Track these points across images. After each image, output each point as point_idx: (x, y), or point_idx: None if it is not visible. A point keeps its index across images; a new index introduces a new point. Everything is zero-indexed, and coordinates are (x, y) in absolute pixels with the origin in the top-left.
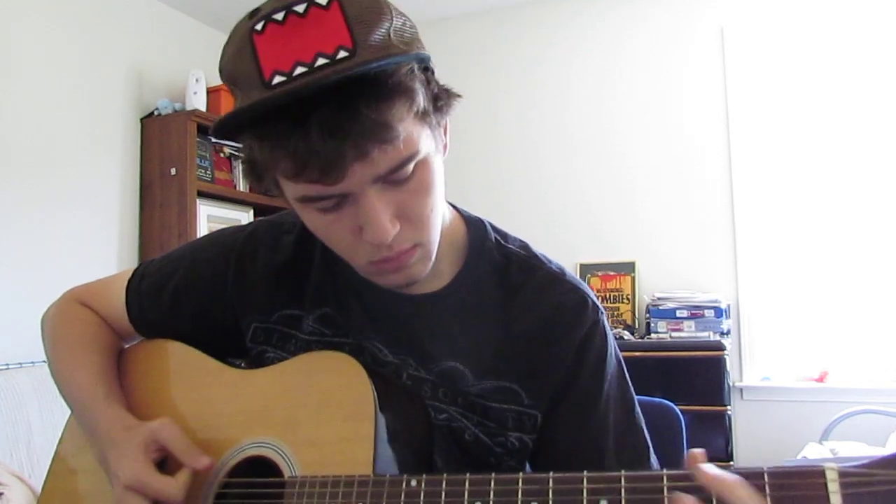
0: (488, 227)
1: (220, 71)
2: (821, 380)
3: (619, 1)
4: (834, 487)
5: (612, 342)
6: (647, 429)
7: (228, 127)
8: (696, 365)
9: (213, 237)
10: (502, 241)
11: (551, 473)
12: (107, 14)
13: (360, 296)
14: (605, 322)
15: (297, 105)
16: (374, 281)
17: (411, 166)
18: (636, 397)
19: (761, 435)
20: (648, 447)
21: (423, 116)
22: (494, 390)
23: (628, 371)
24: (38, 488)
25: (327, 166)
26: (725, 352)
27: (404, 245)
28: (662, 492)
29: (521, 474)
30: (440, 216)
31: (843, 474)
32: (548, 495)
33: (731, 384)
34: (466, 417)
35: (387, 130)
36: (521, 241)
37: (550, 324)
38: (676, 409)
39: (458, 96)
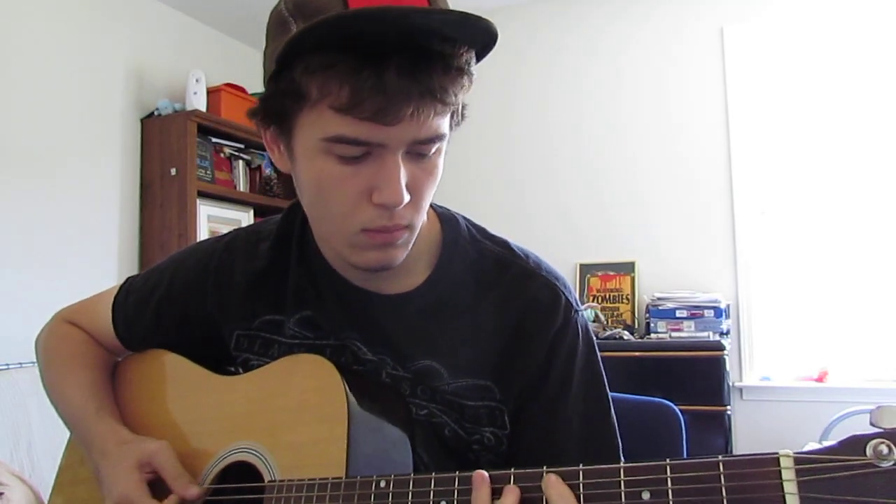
0: (462, 222)
1: (282, 2)
2: (820, 380)
3: (623, 3)
4: (789, 475)
5: (584, 341)
6: (647, 429)
7: (308, 39)
8: (696, 365)
9: (193, 249)
10: (478, 237)
11: (512, 470)
12: (107, 14)
13: (339, 296)
14: (580, 320)
15: (377, 44)
16: (352, 259)
17: (436, 147)
18: (612, 397)
19: (761, 435)
20: (618, 447)
21: (454, 112)
22: (470, 388)
23: (628, 371)
24: (39, 488)
25: (388, 106)
26: (725, 352)
27: (402, 220)
28: (620, 486)
29: (487, 472)
30: (426, 210)
31: (798, 461)
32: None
33: (730, 384)
34: (445, 414)
35: (448, 97)
36: (499, 237)
37: (523, 320)
38: (676, 409)
39: (465, 118)
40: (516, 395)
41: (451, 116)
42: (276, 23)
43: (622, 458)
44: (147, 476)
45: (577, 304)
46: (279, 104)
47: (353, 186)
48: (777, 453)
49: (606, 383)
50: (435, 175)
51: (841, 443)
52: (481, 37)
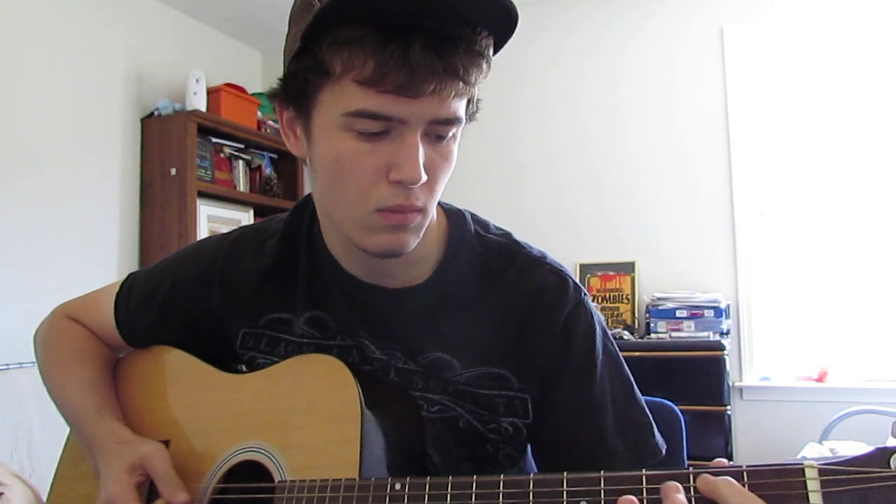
0: (468, 217)
1: None
2: (820, 380)
3: (623, 3)
4: (814, 486)
5: (598, 322)
6: None
7: (337, 10)
8: (696, 365)
9: (199, 246)
10: (482, 231)
11: (532, 475)
12: (107, 14)
13: (347, 294)
14: (589, 302)
15: (400, 24)
16: (364, 243)
17: (452, 131)
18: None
19: (761, 435)
20: (651, 424)
21: (468, 102)
22: (482, 377)
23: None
24: (39, 488)
25: (411, 80)
26: (725, 352)
27: (417, 201)
28: (642, 493)
29: (501, 476)
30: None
31: (822, 472)
32: (528, 497)
33: (730, 384)
34: (459, 405)
35: (468, 77)
36: (503, 230)
37: (532, 307)
38: (676, 409)
39: (475, 119)
40: (538, 382)
41: (468, 105)
42: (301, 6)
43: (656, 435)
44: (139, 479)
45: (584, 289)
46: (301, 82)
47: (371, 164)
48: (802, 463)
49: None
50: (450, 160)
51: (865, 455)
52: (501, 16)
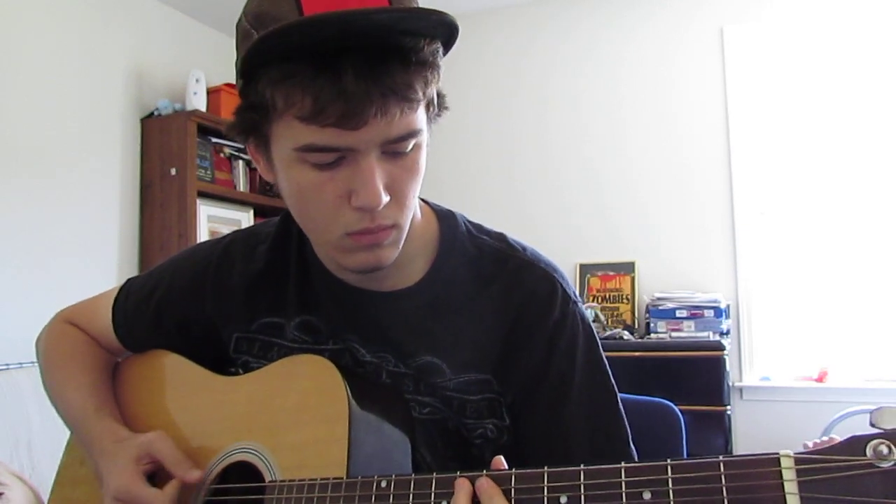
0: (460, 219)
1: (245, 13)
2: (820, 380)
3: (623, 3)
4: (789, 475)
5: (583, 332)
6: (647, 429)
7: (263, 50)
8: (696, 365)
9: (193, 250)
10: (475, 233)
11: (514, 470)
12: (107, 14)
13: (337, 298)
14: (578, 311)
15: (331, 50)
16: (342, 262)
17: (412, 143)
18: (618, 391)
19: (761, 435)
20: (627, 438)
21: (428, 104)
22: (472, 384)
23: (628, 371)
24: (39, 488)
25: (350, 111)
26: (725, 352)
27: (386, 221)
28: (621, 487)
29: (484, 472)
30: (415, 207)
31: (798, 461)
32: (510, 494)
33: (730, 384)
34: (447, 408)
35: (413, 93)
36: (497, 232)
37: (522, 313)
38: (676, 409)
39: (447, 108)
40: (516, 388)
41: (427, 109)
42: (242, 36)
43: (632, 448)
44: (146, 468)
45: (575, 296)
46: (252, 117)
47: (332, 192)
48: (777, 453)
49: (610, 373)
50: (415, 171)
51: (841, 443)
52: (439, 29)
